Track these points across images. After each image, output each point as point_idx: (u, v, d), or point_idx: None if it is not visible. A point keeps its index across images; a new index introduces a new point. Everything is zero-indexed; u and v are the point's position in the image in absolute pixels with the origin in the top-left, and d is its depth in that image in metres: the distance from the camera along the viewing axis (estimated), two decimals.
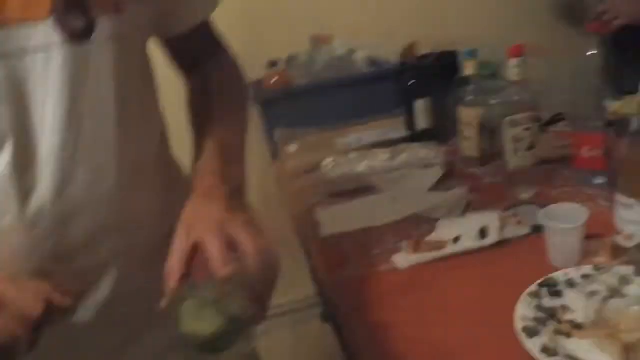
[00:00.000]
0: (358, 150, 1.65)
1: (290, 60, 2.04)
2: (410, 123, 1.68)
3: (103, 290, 0.84)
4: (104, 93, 0.77)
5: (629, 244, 0.97)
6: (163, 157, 0.94)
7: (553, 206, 1.03)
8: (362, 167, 1.55)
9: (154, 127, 0.91)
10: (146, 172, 0.87)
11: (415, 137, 1.65)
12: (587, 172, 1.25)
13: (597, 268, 0.95)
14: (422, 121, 1.65)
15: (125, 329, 0.88)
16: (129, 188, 0.82)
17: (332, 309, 1.09)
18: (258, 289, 0.72)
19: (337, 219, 1.34)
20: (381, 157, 1.57)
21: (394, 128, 1.72)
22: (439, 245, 1.13)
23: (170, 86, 0.96)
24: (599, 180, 1.22)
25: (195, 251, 0.73)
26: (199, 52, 0.97)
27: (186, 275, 0.72)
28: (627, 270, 0.92)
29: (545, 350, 0.80)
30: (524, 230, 1.13)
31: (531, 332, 0.83)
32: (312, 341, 2.11)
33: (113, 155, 0.79)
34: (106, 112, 0.78)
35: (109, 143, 0.79)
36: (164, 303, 0.71)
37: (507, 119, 1.29)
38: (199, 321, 0.68)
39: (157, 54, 0.93)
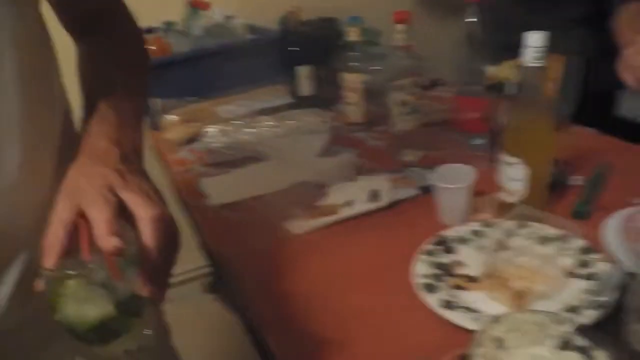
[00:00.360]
0: (242, 118, 1.61)
1: (166, 27, 1.95)
2: (293, 90, 1.67)
3: (7, 285, 0.72)
4: (3, 61, 0.66)
5: (512, 199, 1.02)
6: (68, 138, 0.84)
7: (442, 167, 1.06)
8: (246, 135, 1.52)
9: (58, 103, 0.81)
10: (51, 154, 0.77)
11: (300, 103, 1.64)
12: (468, 134, 1.30)
13: (485, 224, 0.99)
14: (305, 88, 1.64)
15: (37, 331, 0.76)
16: (33, 172, 0.72)
17: (228, 281, 1.06)
18: (155, 264, 0.62)
19: (224, 189, 1.31)
20: (266, 125, 1.55)
21: (278, 95, 1.71)
22: (332, 210, 1.13)
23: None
24: (480, 141, 1.27)
25: (79, 221, 0.62)
26: (95, 13, 0.88)
27: (69, 250, 0.60)
28: (512, 224, 0.97)
29: (444, 304, 0.82)
30: (413, 191, 1.16)
31: (429, 288, 0.86)
32: (201, 312, 2.08)
33: (15, 133, 0.69)
34: (6, 83, 0.67)
35: (11, 120, 0.68)
36: (40, 284, 0.59)
37: (392, 83, 1.30)
38: (83, 306, 0.58)
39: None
